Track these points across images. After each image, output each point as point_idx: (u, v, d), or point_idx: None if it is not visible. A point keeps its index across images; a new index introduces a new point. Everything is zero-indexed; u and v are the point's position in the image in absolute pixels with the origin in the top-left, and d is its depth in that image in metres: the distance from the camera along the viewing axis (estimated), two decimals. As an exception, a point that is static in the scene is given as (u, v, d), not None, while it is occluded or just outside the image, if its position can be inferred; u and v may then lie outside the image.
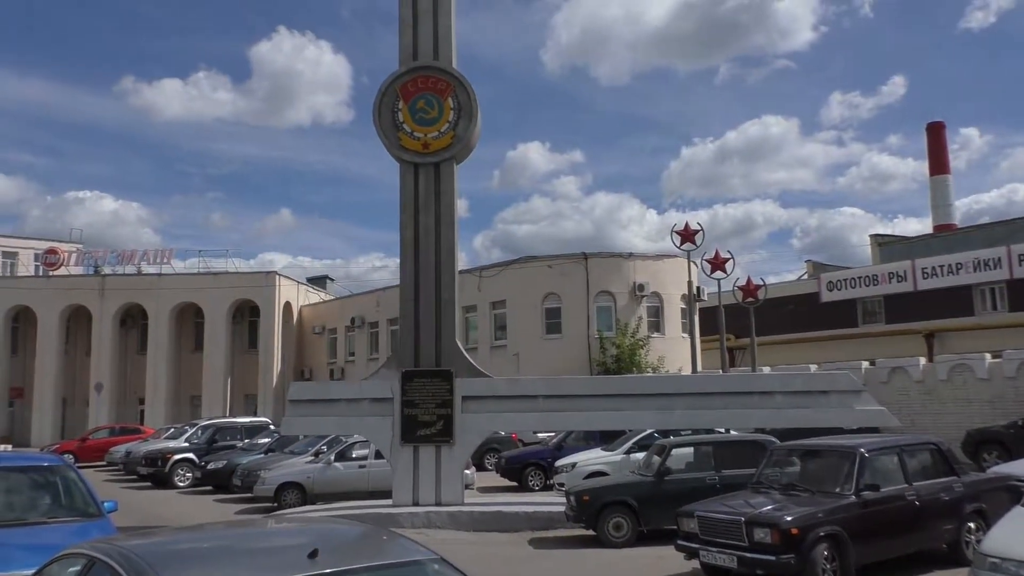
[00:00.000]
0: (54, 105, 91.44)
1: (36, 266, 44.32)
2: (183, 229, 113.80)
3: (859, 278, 36.23)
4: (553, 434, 19.74)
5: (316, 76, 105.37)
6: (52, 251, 42.20)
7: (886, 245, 43.31)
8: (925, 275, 33.67)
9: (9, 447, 30.29)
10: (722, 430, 14.27)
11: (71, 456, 25.10)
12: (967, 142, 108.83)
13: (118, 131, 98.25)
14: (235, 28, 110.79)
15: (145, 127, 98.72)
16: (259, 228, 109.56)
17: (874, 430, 13.29)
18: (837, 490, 8.05)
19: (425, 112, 13.46)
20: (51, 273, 40.89)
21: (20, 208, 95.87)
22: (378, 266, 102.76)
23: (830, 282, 37.12)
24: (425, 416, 12.94)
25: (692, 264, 27.43)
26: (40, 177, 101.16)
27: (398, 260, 13.67)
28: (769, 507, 7.94)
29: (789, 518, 7.53)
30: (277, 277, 39.65)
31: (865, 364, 21.61)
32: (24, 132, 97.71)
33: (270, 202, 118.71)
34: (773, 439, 11.74)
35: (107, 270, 40.95)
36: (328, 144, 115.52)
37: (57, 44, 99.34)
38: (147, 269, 40.50)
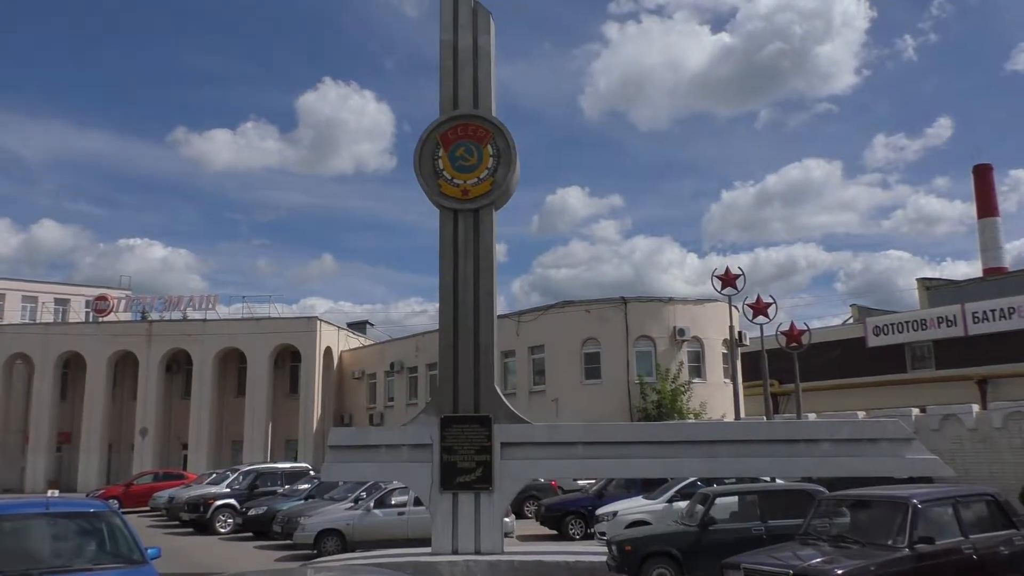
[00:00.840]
0: (111, 156, 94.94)
1: (87, 312, 45.51)
2: (229, 275, 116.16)
3: (907, 323, 35.44)
4: (593, 481, 19.45)
5: (360, 125, 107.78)
6: (102, 298, 43.34)
7: (934, 289, 42.40)
8: (976, 319, 32.82)
9: (56, 492, 30.76)
10: (767, 479, 13.93)
11: (116, 501, 25.44)
12: (1017, 184, 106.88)
13: (170, 181, 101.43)
14: (283, 79, 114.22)
15: (196, 176, 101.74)
16: (302, 273, 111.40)
17: (926, 480, 12.86)
18: (889, 542, 7.74)
19: (465, 159, 13.61)
20: (101, 319, 41.92)
21: (74, 256, 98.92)
22: (417, 311, 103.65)
23: (876, 327, 36.36)
24: (464, 463, 12.83)
25: (733, 309, 27.09)
26: (95, 226, 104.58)
27: (437, 305, 13.73)
28: (818, 559, 7.67)
29: (840, 571, 7.25)
30: (318, 322, 40.12)
31: (915, 411, 21.02)
32: (82, 182, 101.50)
33: (313, 248, 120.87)
34: (821, 488, 11.43)
35: (154, 316, 41.85)
36: (370, 191, 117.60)
37: (115, 97, 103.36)
38: (193, 315, 41.31)
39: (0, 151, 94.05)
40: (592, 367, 29.87)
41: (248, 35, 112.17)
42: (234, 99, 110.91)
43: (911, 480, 12.33)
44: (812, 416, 22.09)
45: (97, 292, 46.24)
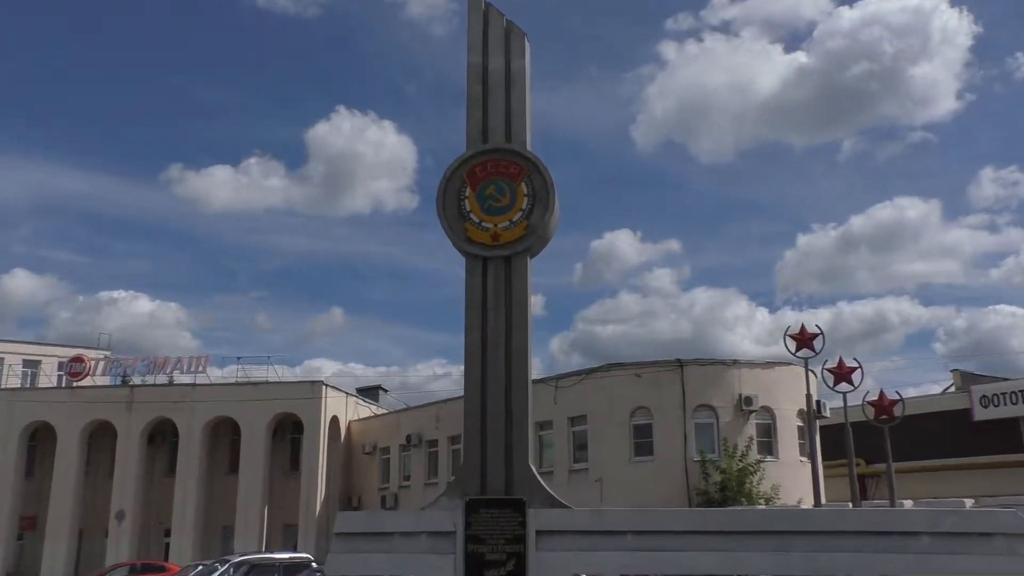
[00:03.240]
0: (96, 197, 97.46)
1: (60, 376, 46.23)
2: (224, 332, 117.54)
3: (1022, 392, 34.69)
4: (646, 579, 19.09)
5: (377, 159, 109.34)
6: (78, 359, 44.06)
7: (1052, 351, 41.59)
8: (1105, 388, 32.05)
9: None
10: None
11: (86, 595, 25.49)
12: None
13: (161, 225, 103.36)
14: (291, 109, 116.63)
15: (190, 220, 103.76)
16: (307, 330, 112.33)
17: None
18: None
19: (495, 199, 13.70)
20: (75, 384, 42.53)
21: (48, 311, 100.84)
22: (439, 374, 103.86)
23: (984, 396, 35.63)
24: (493, 554, 12.65)
25: (811, 374, 26.77)
26: (73, 276, 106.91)
27: (462, 368, 13.74)
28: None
29: None
30: (324, 387, 40.34)
31: (1034, 498, 20.44)
32: (63, 227, 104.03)
33: (320, 301, 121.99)
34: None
35: (136, 380, 42.38)
36: (388, 235, 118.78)
37: (102, 133, 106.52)
38: (180, 379, 41.76)
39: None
40: (643, 441, 29.58)
41: (253, 61, 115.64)
42: (237, 132, 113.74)
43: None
44: (908, 503, 21.57)
45: (72, 353, 47.07)
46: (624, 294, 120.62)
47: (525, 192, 13.58)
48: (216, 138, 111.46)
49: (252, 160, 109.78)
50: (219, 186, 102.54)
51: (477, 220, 13.53)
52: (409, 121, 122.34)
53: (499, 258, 13.64)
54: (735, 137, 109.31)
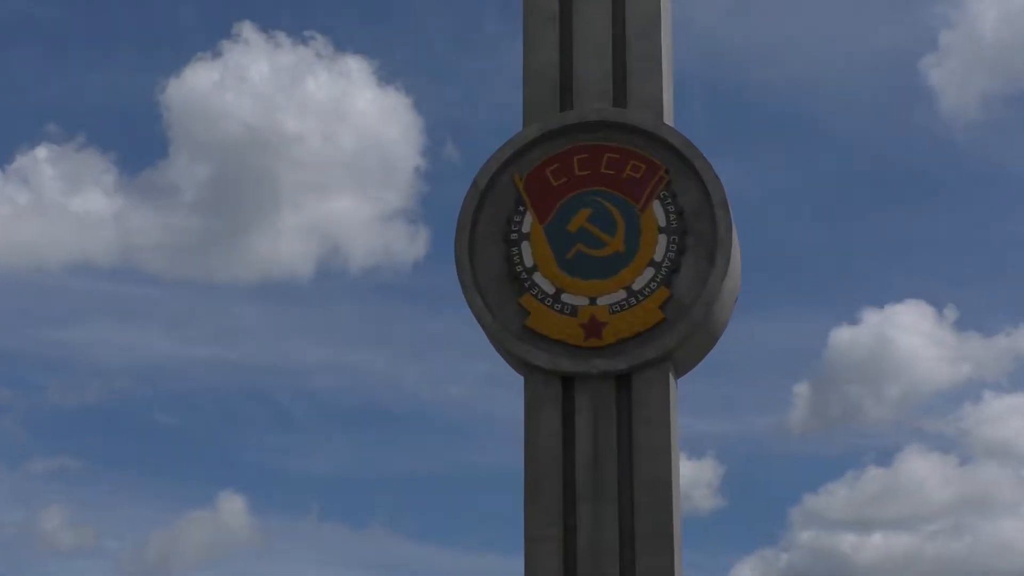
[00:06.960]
0: None
1: None
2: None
3: None
4: None
5: (333, 148, 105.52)
6: None
7: None
8: None
9: None
10: None
11: None
12: None
13: None
14: (136, 35, 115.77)
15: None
16: (162, 547, 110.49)
17: None
18: None
19: (591, 241, 12.34)
20: None
21: None
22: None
23: None
24: None
25: None
26: None
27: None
28: None
29: None
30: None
31: None
32: None
33: (196, 478, 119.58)
34: None
35: None
36: (351, 326, 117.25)
37: None
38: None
39: None
40: None
41: None
42: (17, 87, 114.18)
43: None
44: None
45: None
46: (910, 456, 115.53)
47: (661, 223, 12.33)
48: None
49: (40, 151, 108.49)
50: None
51: (551, 289, 12.33)
52: (402, 62, 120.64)
53: (604, 377, 12.33)
54: None
